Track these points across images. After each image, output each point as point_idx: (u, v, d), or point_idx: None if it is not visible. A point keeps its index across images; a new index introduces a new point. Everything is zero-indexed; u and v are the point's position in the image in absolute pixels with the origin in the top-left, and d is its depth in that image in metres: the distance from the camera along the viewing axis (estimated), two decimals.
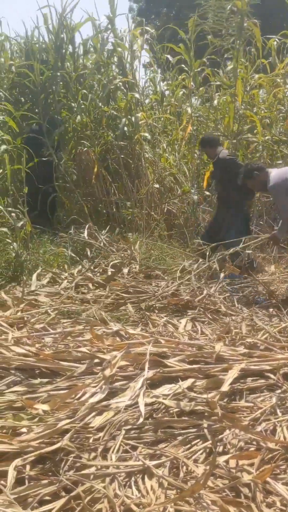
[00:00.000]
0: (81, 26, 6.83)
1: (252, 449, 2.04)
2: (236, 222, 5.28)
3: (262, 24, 7.42)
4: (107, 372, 2.44)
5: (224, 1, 6.83)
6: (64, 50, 6.94)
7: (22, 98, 7.12)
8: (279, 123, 7.72)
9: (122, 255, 5.12)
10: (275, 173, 4.37)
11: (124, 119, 6.50)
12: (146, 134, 6.79)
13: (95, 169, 6.52)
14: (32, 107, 6.86)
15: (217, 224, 5.53)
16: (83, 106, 6.71)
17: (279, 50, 7.58)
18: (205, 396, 2.34)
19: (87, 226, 5.62)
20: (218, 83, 7.83)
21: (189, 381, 2.48)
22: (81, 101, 6.71)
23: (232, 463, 1.95)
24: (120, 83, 6.75)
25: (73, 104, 6.77)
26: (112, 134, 6.62)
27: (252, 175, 4.44)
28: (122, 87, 6.87)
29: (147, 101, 8.55)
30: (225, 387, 2.39)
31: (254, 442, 2.07)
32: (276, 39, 7.49)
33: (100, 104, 6.83)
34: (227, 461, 1.94)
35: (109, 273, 4.65)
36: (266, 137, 7.20)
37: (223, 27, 6.89)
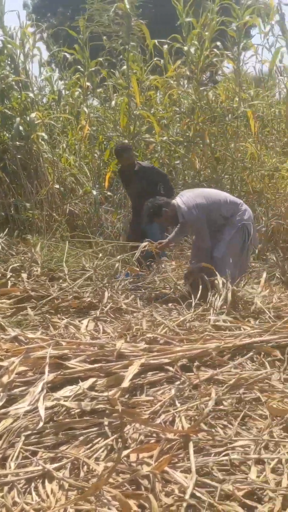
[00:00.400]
0: None
1: (152, 441, 2.08)
2: (157, 232, 5.26)
3: (157, 28, 7.67)
4: (5, 379, 2.37)
5: (108, 5, 6.94)
6: None
7: None
8: (176, 123, 8.00)
9: (22, 258, 4.99)
10: (181, 204, 4.24)
11: (18, 119, 6.33)
12: (43, 134, 6.68)
13: None
14: None
15: (136, 236, 5.42)
16: None
17: (170, 53, 7.82)
18: (106, 394, 2.35)
19: None
20: (111, 83, 7.92)
21: (90, 381, 2.47)
22: None
23: (133, 457, 1.98)
24: (13, 82, 6.57)
25: None
26: (7, 134, 6.43)
27: (161, 213, 4.32)
28: (16, 86, 6.69)
29: (44, 100, 8.43)
30: (125, 383, 2.42)
31: (154, 435, 2.12)
32: (167, 42, 7.72)
33: None
34: (127, 456, 1.97)
35: (8, 277, 4.52)
36: (164, 138, 7.41)
37: (111, 29, 7.00)
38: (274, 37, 7.16)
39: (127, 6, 6.45)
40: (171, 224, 4.67)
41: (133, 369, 2.51)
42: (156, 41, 7.35)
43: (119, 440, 2.08)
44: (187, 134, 7.54)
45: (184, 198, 4.32)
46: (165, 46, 7.72)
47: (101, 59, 7.66)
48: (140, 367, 2.57)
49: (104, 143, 7.72)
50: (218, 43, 7.41)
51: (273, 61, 7.05)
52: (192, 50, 7.25)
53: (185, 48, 7.29)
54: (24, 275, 4.43)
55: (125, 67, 7.27)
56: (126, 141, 6.76)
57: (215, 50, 7.22)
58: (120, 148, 5.60)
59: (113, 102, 7.94)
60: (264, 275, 4.41)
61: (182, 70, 7.90)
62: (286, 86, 7.16)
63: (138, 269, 4.56)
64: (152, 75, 7.88)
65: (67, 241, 5.59)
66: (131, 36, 7.04)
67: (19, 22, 6.95)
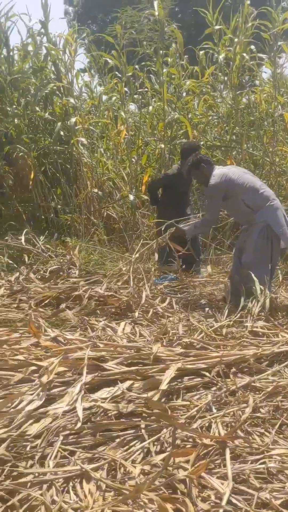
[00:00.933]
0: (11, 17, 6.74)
1: (188, 446, 2.09)
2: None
3: (195, 35, 7.69)
4: (44, 379, 2.42)
5: (140, 12, 7.00)
6: None
7: None
8: (214, 128, 7.98)
9: (61, 260, 5.09)
10: (218, 172, 4.31)
11: (59, 124, 6.47)
12: (82, 139, 6.79)
13: (32, 174, 6.44)
14: None
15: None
16: (16, 111, 6.61)
17: (207, 58, 7.81)
18: (144, 395, 2.37)
19: (24, 231, 5.54)
20: (146, 89, 7.97)
21: (127, 383, 2.50)
22: (15, 106, 6.62)
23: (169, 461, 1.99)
24: (55, 88, 6.72)
25: (8, 108, 6.66)
26: (49, 139, 6.57)
27: (199, 167, 4.41)
28: (58, 92, 6.83)
29: (84, 105, 8.56)
30: (163, 386, 2.43)
31: (191, 440, 2.13)
32: (203, 47, 7.71)
33: (36, 108, 6.77)
34: (163, 460, 1.98)
35: (48, 278, 4.62)
36: (201, 142, 7.40)
37: (145, 35, 7.06)
38: None
39: (157, 13, 6.48)
40: (200, 182, 4.71)
41: (170, 373, 2.52)
42: (192, 47, 7.36)
43: (156, 443, 2.10)
44: (225, 138, 7.51)
45: (222, 170, 4.37)
46: (201, 52, 7.72)
47: (136, 66, 7.73)
48: (176, 372, 2.58)
49: (142, 147, 7.77)
50: (252, 47, 7.34)
51: None
52: (223, 55, 7.23)
53: (217, 53, 7.29)
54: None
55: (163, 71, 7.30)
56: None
57: (244, 55, 7.10)
58: (188, 146, 5.60)
59: (150, 107, 8.00)
60: None
61: (219, 76, 7.90)
62: None
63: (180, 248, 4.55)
64: (191, 80, 7.89)
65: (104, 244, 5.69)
66: (166, 41, 7.08)
67: (65, 28, 7.10)
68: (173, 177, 5.62)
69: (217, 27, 7.23)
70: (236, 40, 7.04)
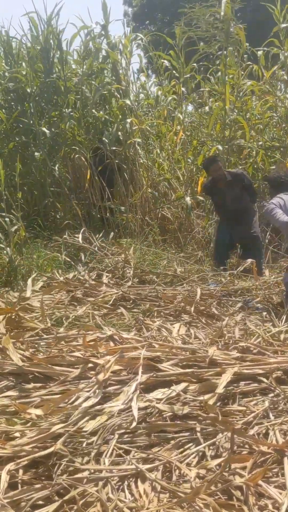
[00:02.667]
0: (75, 36, 6.88)
1: (245, 452, 2.05)
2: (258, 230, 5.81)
3: (253, 34, 7.53)
4: (101, 377, 2.45)
5: (209, 9, 6.91)
6: (52, 56, 6.97)
7: (12, 104, 7.15)
8: (272, 128, 7.80)
9: (117, 259, 5.14)
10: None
11: (116, 125, 6.54)
12: (138, 140, 6.82)
13: (88, 175, 6.55)
14: (23, 112, 6.89)
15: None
16: (72, 113, 6.74)
17: (267, 58, 7.64)
18: (200, 398, 2.35)
19: (81, 230, 5.64)
20: (207, 89, 7.89)
21: (183, 385, 2.49)
22: (71, 108, 6.75)
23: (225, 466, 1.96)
24: (114, 89, 6.79)
25: (64, 110, 6.80)
26: (106, 140, 6.65)
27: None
28: (116, 93, 6.90)
29: (140, 106, 8.60)
30: (219, 389, 2.40)
31: (247, 446, 2.08)
32: (263, 49, 7.55)
33: (93, 110, 6.88)
34: (219, 465, 1.95)
35: (104, 278, 4.68)
36: (260, 143, 7.26)
37: (210, 34, 6.97)
38: None
39: (222, 12, 6.39)
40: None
41: (227, 376, 2.48)
42: (252, 48, 7.21)
43: (211, 447, 2.07)
44: (284, 139, 7.32)
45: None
46: (259, 52, 7.56)
47: (195, 64, 7.67)
48: (233, 376, 2.54)
49: (198, 148, 7.72)
50: None
51: None
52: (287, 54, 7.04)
53: (282, 53, 7.09)
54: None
55: (220, 72, 7.22)
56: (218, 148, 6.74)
57: None
58: (207, 161, 5.81)
59: (206, 108, 7.92)
60: None
61: (279, 75, 7.70)
62: None
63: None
64: (250, 80, 7.76)
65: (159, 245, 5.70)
66: (230, 40, 6.97)
67: (124, 31, 7.18)
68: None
69: (283, 25, 7.05)
70: None
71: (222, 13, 6.38)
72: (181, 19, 7.54)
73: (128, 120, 6.71)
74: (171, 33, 7.89)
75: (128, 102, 6.89)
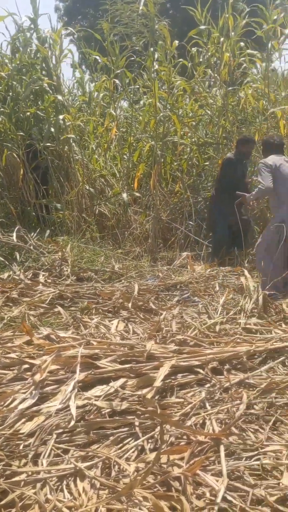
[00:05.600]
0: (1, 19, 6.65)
1: (183, 443, 2.08)
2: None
3: (187, 30, 7.65)
4: (37, 377, 2.41)
5: (130, 6, 6.96)
6: None
7: None
8: (205, 125, 7.96)
9: (53, 257, 5.06)
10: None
11: (48, 121, 6.43)
12: (73, 136, 6.74)
13: (21, 172, 6.40)
14: None
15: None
16: (2, 109, 6.55)
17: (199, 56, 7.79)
18: (139, 393, 2.37)
19: (16, 229, 5.50)
20: (138, 86, 7.92)
21: (121, 381, 2.49)
22: (1, 103, 6.56)
23: (163, 458, 1.98)
24: (46, 85, 6.66)
25: None
26: (39, 136, 6.51)
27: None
28: (48, 89, 6.77)
29: (75, 101, 8.50)
30: (157, 383, 2.43)
31: (185, 437, 2.12)
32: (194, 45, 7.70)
33: (24, 105, 6.72)
34: (158, 457, 1.97)
35: (40, 276, 4.60)
36: (193, 139, 7.38)
37: (134, 30, 7.02)
38: None
39: (140, 7, 6.44)
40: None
41: (164, 370, 2.51)
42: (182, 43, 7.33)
43: (150, 441, 2.09)
44: (216, 135, 7.49)
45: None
46: (194, 49, 7.69)
47: (123, 56, 7.66)
48: (170, 369, 2.58)
49: (134, 144, 7.74)
50: (242, 44, 7.32)
51: None
52: (210, 53, 7.24)
53: (206, 51, 7.28)
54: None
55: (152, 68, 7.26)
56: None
57: (228, 54, 7.09)
58: (251, 138, 6.36)
59: (141, 102, 7.94)
60: None
61: (208, 73, 7.87)
62: None
63: None
64: (181, 76, 7.86)
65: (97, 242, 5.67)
66: (157, 37, 7.04)
67: (51, 25, 7.01)
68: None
69: (203, 27, 7.21)
70: (221, 39, 7.03)
71: (140, 9, 6.43)
72: (110, 13, 7.52)
73: (61, 116, 6.60)
74: (99, 30, 7.83)
75: (60, 97, 6.78)
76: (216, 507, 1.68)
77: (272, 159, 4.69)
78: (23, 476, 1.84)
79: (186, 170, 7.28)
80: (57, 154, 6.71)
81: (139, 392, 2.39)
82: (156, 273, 5.03)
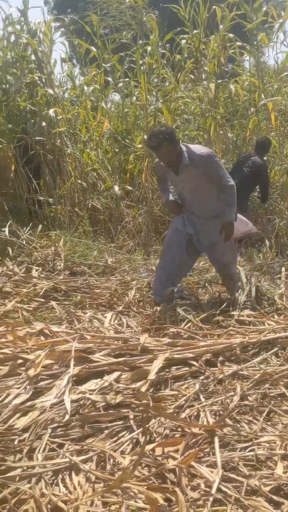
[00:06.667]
0: None
1: (177, 435, 2.09)
2: None
3: (178, 23, 7.64)
4: (31, 372, 2.40)
5: None
6: None
7: None
8: (197, 118, 7.94)
9: (46, 252, 5.04)
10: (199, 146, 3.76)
11: (39, 114, 6.39)
12: (63, 129, 6.69)
13: (13, 166, 6.36)
14: None
15: None
16: None
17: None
18: (133, 386, 2.37)
19: (8, 224, 5.47)
20: (127, 79, 7.89)
21: (115, 374, 2.49)
22: None
23: (158, 451, 1.99)
24: (36, 78, 6.61)
25: None
26: (31, 129, 6.46)
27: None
28: (39, 82, 6.72)
29: (66, 95, 8.43)
30: (151, 376, 2.43)
31: (179, 429, 2.13)
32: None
33: (18, 99, 6.67)
34: (153, 450, 1.98)
35: (34, 271, 4.58)
36: (185, 132, 7.36)
37: (122, 22, 6.99)
38: None
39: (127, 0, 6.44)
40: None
41: (158, 362, 2.52)
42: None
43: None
44: (208, 128, 7.47)
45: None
46: (183, 41, 7.67)
47: (122, 54, 7.63)
48: (164, 362, 2.58)
49: (127, 138, 7.69)
50: (231, 35, 7.30)
51: None
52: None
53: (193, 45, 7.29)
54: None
55: (143, 60, 7.24)
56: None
57: (216, 47, 7.08)
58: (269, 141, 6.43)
59: (134, 98, 7.91)
60: (283, 270, 4.39)
61: (197, 66, 7.85)
62: None
63: None
64: (172, 70, 7.84)
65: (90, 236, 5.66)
66: (146, 30, 7.02)
67: (42, 18, 6.90)
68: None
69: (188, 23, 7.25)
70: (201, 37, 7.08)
71: (127, 1, 6.41)
72: (97, 7, 7.48)
73: (51, 110, 6.56)
74: (89, 22, 7.77)
75: (50, 91, 6.72)
76: (211, 498, 1.69)
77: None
78: (18, 471, 1.84)
79: None
80: (49, 148, 6.67)
81: (133, 386, 2.39)
82: (149, 266, 5.02)
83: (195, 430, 2.08)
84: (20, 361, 2.59)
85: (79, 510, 1.64)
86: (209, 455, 1.99)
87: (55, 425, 2.12)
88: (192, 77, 8.01)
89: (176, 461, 1.86)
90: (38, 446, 1.98)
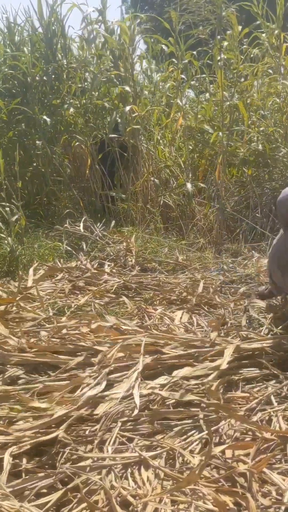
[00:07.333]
0: (70, 9, 6.77)
1: (248, 439, 2.05)
2: None
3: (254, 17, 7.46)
4: (104, 364, 2.45)
5: None
6: (55, 43, 6.89)
7: (14, 91, 7.07)
8: (274, 113, 7.71)
9: (118, 248, 5.12)
10: None
11: (115, 112, 6.49)
12: (138, 127, 6.75)
13: (89, 163, 6.51)
14: (23, 100, 6.82)
15: None
16: (72, 100, 6.68)
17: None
18: (203, 381, 2.35)
19: (82, 219, 5.62)
20: (205, 75, 7.80)
21: (185, 370, 2.49)
22: (71, 95, 6.69)
23: (228, 453, 1.96)
24: (113, 76, 6.71)
25: (66, 98, 6.73)
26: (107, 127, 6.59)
27: None
28: (115, 80, 6.82)
29: (146, 92, 8.49)
30: (223, 365, 2.44)
31: (250, 433, 2.08)
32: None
33: (94, 97, 6.82)
34: (223, 452, 1.95)
35: (106, 266, 4.67)
36: (261, 128, 7.17)
37: (202, 18, 6.91)
38: None
39: None
40: None
41: (229, 351, 2.51)
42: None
43: (214, 434, 2.07)
44: (286, 124, 7.23)
45: None
46: (264, 35, 7.46)
47: (194, 52, 7.56)
48: (234, 355, 2.55)
49: (199, 135, 7.63)
50: None
51: None
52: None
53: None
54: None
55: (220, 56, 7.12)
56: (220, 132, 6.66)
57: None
58: None
59: (207, 94, 7.81)
60: None
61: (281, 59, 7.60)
62: None
63: None
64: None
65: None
66: (224, 25, 6.89)
67: (123, 16, 6.99)
68: None
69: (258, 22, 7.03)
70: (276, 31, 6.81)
71: None
72: (177, 3, 7.44)
73: (127, 108, 6.63)
74: (169, 19, 7.76)
75: (127, 88, 6.80)
76: (283, 507, 1.64)
77: None
78: (89, 462, 1.88)
79: (253, 160, 7.09)
80: (123, 145, 6.76)
81: (203, 381, 2.37)
82: (221, 265, 4.95)
83: (267, 435, 2.02)
84: (92, 352, 2.65)
85: (148, 506, 1.64)
86: (280, 462, 1.92)
87: (125, 418, 2.14)
88: (271, 72, 7.78)
89: (247, 466, 1.82)
90: (108, 439, 2.02)
